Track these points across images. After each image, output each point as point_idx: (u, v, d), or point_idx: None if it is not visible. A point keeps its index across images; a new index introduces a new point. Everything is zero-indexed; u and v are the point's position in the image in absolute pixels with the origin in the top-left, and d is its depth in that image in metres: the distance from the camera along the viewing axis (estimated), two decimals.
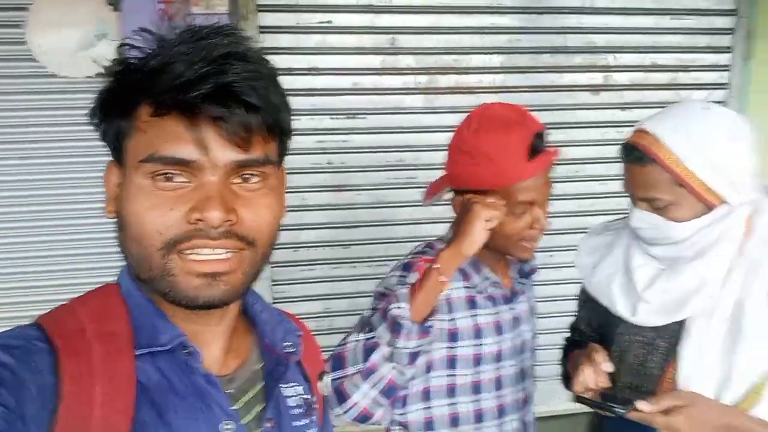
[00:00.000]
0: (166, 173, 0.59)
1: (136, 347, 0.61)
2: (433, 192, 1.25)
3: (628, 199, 1.14)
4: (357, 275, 2.76)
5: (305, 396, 0.76)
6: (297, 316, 0.84)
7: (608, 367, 1.08)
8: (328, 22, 2.54)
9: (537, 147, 1.11)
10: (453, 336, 1.18)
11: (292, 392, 0.75)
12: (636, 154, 1.06)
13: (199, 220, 0.58)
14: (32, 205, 2.48)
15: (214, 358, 0.68)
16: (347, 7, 2.54)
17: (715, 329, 1.05)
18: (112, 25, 2.36)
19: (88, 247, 2.56)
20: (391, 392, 1.04)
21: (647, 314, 1.12)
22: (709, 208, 1.03)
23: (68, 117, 2.42)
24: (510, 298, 1.26)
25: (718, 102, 2.87)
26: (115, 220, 0.64)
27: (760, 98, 2.88)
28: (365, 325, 1.08)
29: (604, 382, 1.07)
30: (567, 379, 1.31)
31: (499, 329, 1.23)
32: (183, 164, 0.59)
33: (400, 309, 1.02)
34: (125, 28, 2.35)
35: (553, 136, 2.75)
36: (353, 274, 2.77)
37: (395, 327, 1.01)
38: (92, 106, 0.64)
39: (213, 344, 0.68)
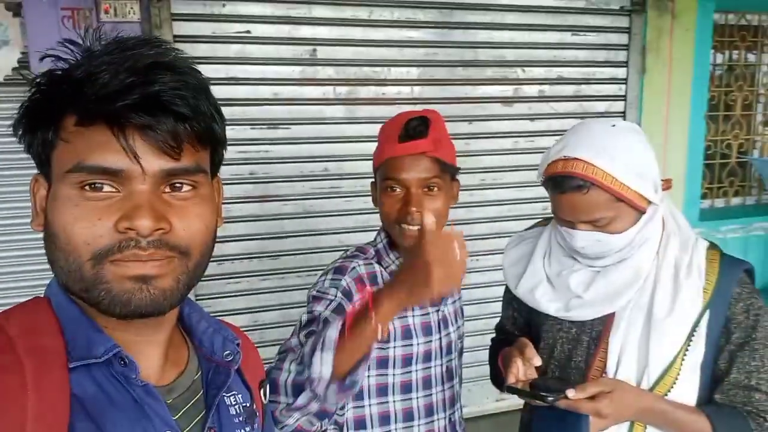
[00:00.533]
0: (93, 183, 0.58)
1: (70, 360, 0.59)
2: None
3: (543, 209, 1.20)
4: (286, 286, 2.74)
5: (245, 404, 0.76)
6: None
7: (537, 360, 1.14)
8: (247, 32, 2.52)
9: (409, 130, 1.18)
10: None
11: (233, 400, 0.74)
12: (574, 183, 1.09)
13: (129, 229, 0.57)
14: None
15: (153, 368, 0.67)
16: (266, 18, 2.53)
17: (636, 321, 1.15)
18: (14, 31, 2.23)
19: (10, 266, 2.39)
20: (323, 417, 1.04)
21: (582, 310, 1.20)
22: (641, 212, 1.13)
23: None
24: (437, 301, 1.30)
25: (619, 112, 3.12)
26: (43, 233, 0.62)
27: (651, 108, 3.16)
28: (300, 347, 1.06)
29: (533, 374, 1.14)
30: (496, 378, 1.37)
31: (428, 330, 1.27)
32: (111, 173, 0.58)
33: (322, 368, 0.92)
34: (30, 36, 2.23)
35: (470, 146, 2.90)
36: (282, 285, 2.74)
37: (314, 396, 0.97)
38: (15, 118, 0.62)
39: (151, 354, 0.67)
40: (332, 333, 0.95)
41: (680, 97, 3.21)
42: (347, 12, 2.63)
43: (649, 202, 1.13)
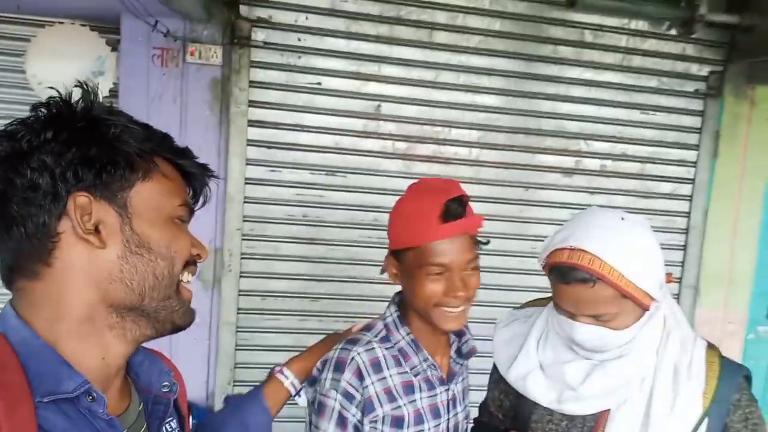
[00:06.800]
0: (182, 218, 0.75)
1: (36, 395, 0.60)
2: (386, 265, 1.25)
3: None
4: (323, 329, 2.75)
5: (178, 429, 0.80)
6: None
7: None
8: (318, 83, 2.66)
9: (451, 210, 1.11)
10: (398, 422, 1.16)
11: (170, 426, 0.79)
12: (580, 275, 1.05)
13: (198, 255, 0.74)
14: None
15: (113, 398, 0.70)
16: (337, 72, 2.67)
17: (632, 420, 1.10)
18: (110, 64, 2.46)
19: None
20: None
21: (576, 403, 1.14)
22: (644, 309, 1.10)
23: None
24: (447, 380, 1.25)
25: (686, 195, 3.02)
26: (120, 250, 0.67)
27: (721, 194, 3.03)
28: None
29: None
30: None
31: (436, 412, 1.21)
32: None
33: None
34: (122, 70, 2.45)
35: (523, 212, 2.87)
36: (319, 327, 2.77)
37: None
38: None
39: (115, 386, 0.71)
40: None
41: (754, 184, 3.07)
42: (414, 73, 2.73)
43: (653, 299, 1.09)
